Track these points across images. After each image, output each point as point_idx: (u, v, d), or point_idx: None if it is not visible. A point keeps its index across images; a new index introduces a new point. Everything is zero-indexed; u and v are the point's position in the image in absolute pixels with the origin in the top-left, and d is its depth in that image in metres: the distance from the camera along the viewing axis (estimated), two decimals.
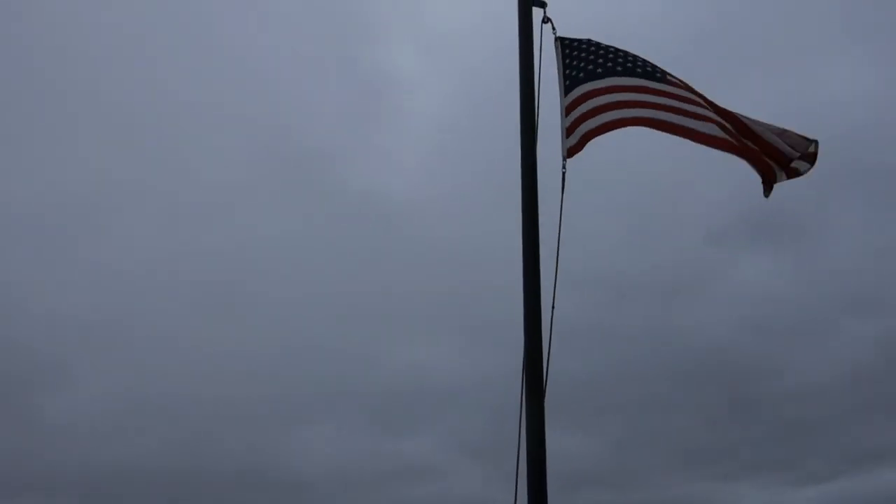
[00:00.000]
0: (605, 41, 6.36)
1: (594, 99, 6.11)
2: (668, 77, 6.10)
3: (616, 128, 6.06)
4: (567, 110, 6.21)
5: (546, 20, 6.41)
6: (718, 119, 5.88)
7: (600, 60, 6.22)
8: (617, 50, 6.25)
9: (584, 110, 6.12)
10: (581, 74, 6.24)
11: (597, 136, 6.06)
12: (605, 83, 6.13)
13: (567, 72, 6.33)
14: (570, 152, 6.05)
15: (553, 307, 5.52)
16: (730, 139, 5.79)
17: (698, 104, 5.94)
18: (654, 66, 6.17)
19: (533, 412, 5.23)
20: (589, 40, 6.39)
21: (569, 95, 6.24)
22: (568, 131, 6.14)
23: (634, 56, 6.21)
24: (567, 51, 6.40)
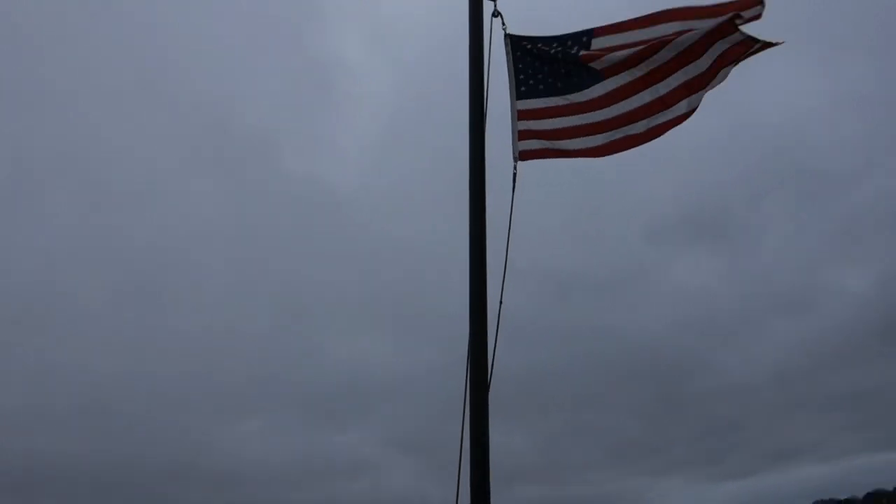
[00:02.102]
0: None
1: (556, 119, 6.25)
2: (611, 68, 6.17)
3: (577, 156, 6.26)
4: (521, 115, 6.30)
5: (496, 14, 6.39)
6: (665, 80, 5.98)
7: (558, 70, 6.31)
8: (565, 51, 6.29)
9: (546, 127, 6.26)
10: (541, 87, 6.33)
11: (557, 157, 6.26)
12: (564, 100, 6.26)
13: (521, 77, 6.40)
14: (524, 156, 6.19)
15: (501, 302, 5.53)
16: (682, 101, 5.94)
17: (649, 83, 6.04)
18: (595, 69, 6.24)
19: (476, 406, 5.21)
20: (537, 38, 6.42)
21: (524, 101, 6.33)
22: (521, 135, 6.25)
23: (576, 60, 6.25)
24: (518, 53, 6.44)
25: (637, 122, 6.09)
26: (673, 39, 5.80)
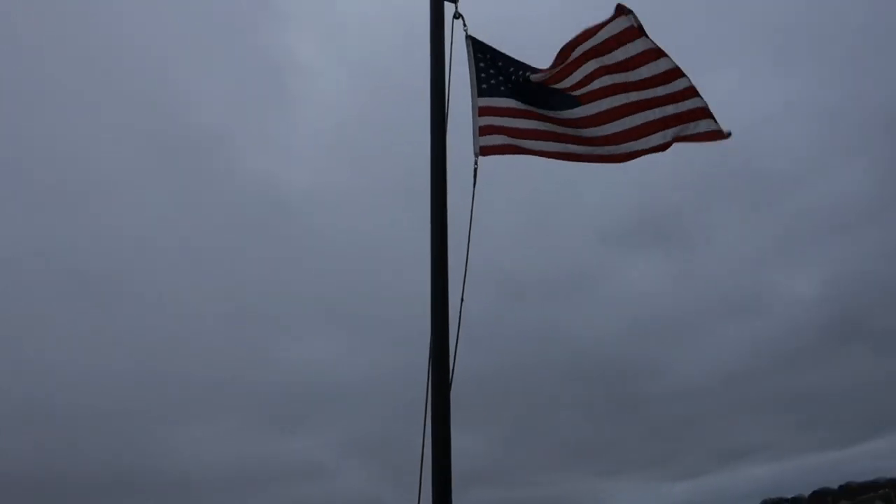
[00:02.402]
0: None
1: (518, 119, 6.38)
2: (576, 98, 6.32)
3: (539, 155, 6.36)
4: (482, 111, 6.35)
5: (457, 16, 6.42)
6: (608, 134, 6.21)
7: (521, 81, 6.41)
8: (524, 74, 6.40)
9: (507, 125, 6.36)
10: (502, 88, 6.44)
11: (518, 154, 6.34)
12: (525, 107, 6.40)
13: (482, 75, 6.47)
14: (485, 151, 6.23)
15: (462, 300, 5.52)
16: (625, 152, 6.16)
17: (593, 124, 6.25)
18: (561, 93, 6.34)
19: (438, 406, 5.17)
20: (497, 53, 6.53)
21: (485, 99, 6.39)
22: (482, 130, 6.29)
23: (539, 84, 6.37)
24: (479, 54, 6.50)
25: (607, 146, 6.24)
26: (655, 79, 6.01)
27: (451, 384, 5.27)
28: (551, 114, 6.37)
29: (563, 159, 6.36)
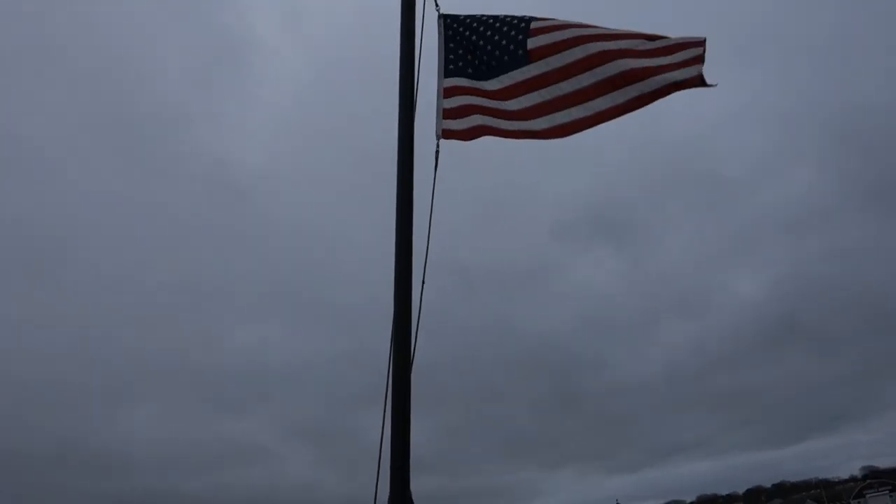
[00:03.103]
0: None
1: (483, 99, 6.14)
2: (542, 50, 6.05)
3: (506, 136, 6.06)
4: (446, 93, 6.21)
5: None
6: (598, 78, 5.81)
7: (492, 53, 6.16)
8: (500, 28, 6.18)
9: (476, 103, 6.15)
10: (470, 70, 6.25)
11: (485, 135, 6.11)
12: (492, 85, 6.13)
13: (451, 56, 6.31)
14: (447, 135, 6.07)
15: (423, 282, 5.42)
16: (612, 106, 5.75)
17: (572, 73, 5.90)
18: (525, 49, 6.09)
19: (398, 390, 5.13)
20: (471, 18, 6.31)
21: (450, 79, 6.24)
22: (447, 113, 6.14)
23: (513, 36, 6.14)
24: (450, 32, 6.36)
25: (557, 112, 5.91)
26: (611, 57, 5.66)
27: (412, 366, 5.22)
28: (510, 80, 6.05)
29: (524, 138, 6.05)
